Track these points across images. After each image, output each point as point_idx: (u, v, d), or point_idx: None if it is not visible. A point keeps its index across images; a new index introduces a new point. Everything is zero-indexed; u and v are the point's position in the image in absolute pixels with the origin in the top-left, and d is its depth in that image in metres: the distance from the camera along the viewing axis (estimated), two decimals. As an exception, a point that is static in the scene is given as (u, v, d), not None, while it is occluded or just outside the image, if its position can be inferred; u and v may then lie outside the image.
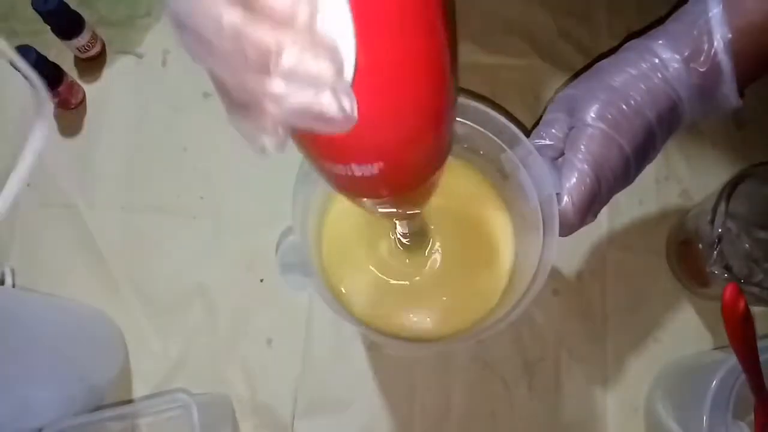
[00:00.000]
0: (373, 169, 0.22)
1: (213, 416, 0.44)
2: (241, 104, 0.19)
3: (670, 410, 0.44)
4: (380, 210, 0.28)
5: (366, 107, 0.19)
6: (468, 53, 0.54)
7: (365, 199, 0.26)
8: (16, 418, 0.39)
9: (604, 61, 0.37)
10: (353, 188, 0.25)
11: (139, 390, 0.49)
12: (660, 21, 0.37)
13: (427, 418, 0.47)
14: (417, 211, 0.32)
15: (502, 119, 0.35)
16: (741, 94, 0.35)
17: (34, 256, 0.51)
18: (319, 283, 0.33)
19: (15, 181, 0.27)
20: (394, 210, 0.30)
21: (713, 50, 0.34)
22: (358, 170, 0.22)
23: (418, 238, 0.39)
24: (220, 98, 0.20)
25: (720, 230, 0.41)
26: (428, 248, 0.40)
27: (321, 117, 0.18)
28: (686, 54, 0.34)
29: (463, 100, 0.36)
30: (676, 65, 0.34)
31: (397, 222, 0.35)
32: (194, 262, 0.51)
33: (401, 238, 0.38)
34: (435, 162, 0.25)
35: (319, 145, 0.22)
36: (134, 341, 0.50)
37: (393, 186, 0.25)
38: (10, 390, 0.38)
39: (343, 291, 0.39)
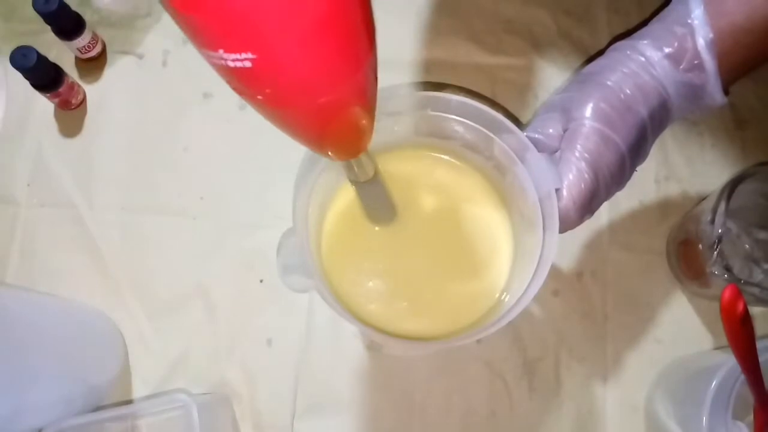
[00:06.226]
0: (245, 60, 0.22)
1: (213, 416, 0.44)
2: None
3: (670, 410, 0.44)
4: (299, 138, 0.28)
5: None
6: (468, 53, 0.54)
7: (277, 119, 0.26)
8: (16, 418, 0.39)
9: (593, 64, 0.37)
10: (240, 85, 0.24)
11: (139, 390, 0.49)
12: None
13: (427, 418, 0.47)
14: (347, 156, 0.31)
15: (494, 113, 0.35)
16: (726, 92, 0.36)
17: (34, 256, 0.51)
18: (321, 283, 0.33)
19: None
20: (315, 143, 0.29)
21: (696, 50, 0.34)
22: (230, 60, 0.22)
23: (375, 203, 0.38)
24: None
25: (720, 230, 0.41)
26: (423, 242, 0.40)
27: None
28: (671, 53, 0.35)
29: (453, 96, 0.36)
30: (662, 64, 0.35)
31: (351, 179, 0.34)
32: (194, 262, 0.51)
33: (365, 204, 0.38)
34: (321, 69, 0.23)
35: (189, 29, 0.22)
36: (134, 341, 0.49)
37: (275, 89, 0.24)
38: (10, 390, 0.38)
39: (344, 291, 0.39)
